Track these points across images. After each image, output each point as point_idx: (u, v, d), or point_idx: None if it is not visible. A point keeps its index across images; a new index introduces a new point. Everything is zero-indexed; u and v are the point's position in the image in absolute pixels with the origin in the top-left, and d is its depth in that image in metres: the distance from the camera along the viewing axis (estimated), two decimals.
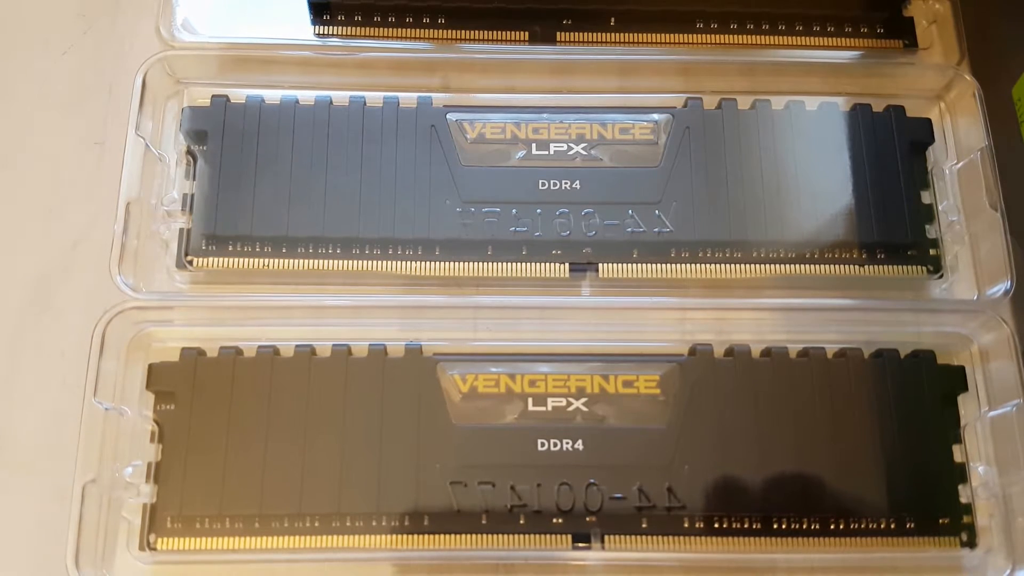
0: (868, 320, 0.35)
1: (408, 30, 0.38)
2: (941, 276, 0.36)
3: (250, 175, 0.35)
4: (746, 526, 0.32)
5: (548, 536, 0.32)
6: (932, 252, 0.36)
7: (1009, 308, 0.35)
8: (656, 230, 0.35)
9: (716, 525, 0.32)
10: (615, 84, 0.38)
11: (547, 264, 0.35)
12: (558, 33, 0.38)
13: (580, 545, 0.32)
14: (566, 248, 0.35)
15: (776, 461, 0.33)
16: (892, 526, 0.32)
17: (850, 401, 0.33)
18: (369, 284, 0.35)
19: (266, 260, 0.34)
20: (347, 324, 0.35)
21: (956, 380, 0.34)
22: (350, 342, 0.34)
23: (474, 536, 0.32)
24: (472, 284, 0.35)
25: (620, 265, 0.35)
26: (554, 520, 0.32)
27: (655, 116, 0.37)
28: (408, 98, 0.37)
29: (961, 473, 0.33)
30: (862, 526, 0.32)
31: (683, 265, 0.35)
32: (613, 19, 0.39)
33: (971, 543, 0.33)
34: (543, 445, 0.33)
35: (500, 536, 0.32)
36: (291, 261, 0.35)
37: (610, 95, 0.38)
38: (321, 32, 0.38)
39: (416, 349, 0.34)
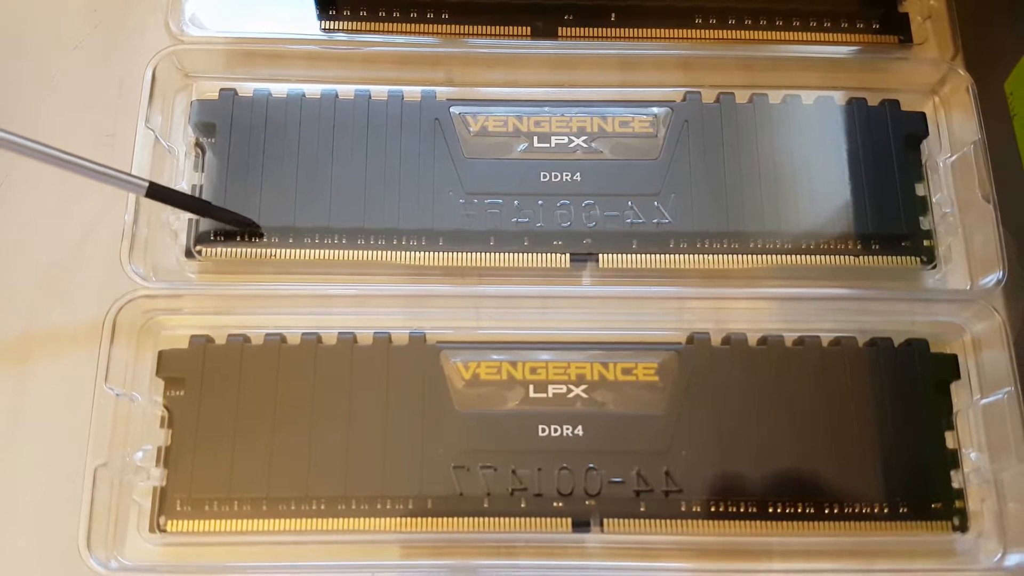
0: (863, 309, 0.36)
1: (412, 25, 0.39)
2: (935, 266, 0.36)
3: (258, 167, 0.36)
4: (742, 510, 0.33)
5: (548, 519, 0.33)
6: (926, 243, 0.36)
7: (1001, 298, 0.36)
8: (655, 221, 0.36)
9: (713, 509, 0.33)
10: (615, 78, 0.39)
11: (548, 254, 0.36)
12: (560, 28, 0.39)
13: (580, 528, 0.33)
14: (567, 239, 0.36)
15: (772, 447, 0.33)
16: (886, 511, 0.33)
17: (845, 388, 0.34)
18: (374, 273, 0.36)
19: (273, 250, 0.35)
20: (352, 312, 0.35)
21: (949, 368, 0.35)
22: (355, 330, 0.34)
23: (476, 519, 0.32)
24: (475, 274, 0.36)
25: (620, 255, 0.36)
26: (554, 504, 0.33)
27: (655, 110, 0.38)
28: (412, 92, 0.37)
29: (953, 459, 0.34)
30: (856, 510, 0.33)
31: (682, 255, 0.36)
32: (614, 15, 0.39)
33: (963, 527, 0.33)
34: (544, 430, 0.33)
35: (502, 519, 0.32)
36: (298, 251, 0.35)
37: (610, 89, 0.39)
38: (327, 27, 0.39)
39: (420, 337, 0.34)
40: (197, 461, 0.33)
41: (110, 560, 0.32)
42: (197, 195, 0.36)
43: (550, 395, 0.34)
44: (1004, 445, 0.33)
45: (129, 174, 0.32)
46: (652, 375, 0.34)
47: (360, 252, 0.35)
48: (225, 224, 0.35)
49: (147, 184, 0.32)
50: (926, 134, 0.38)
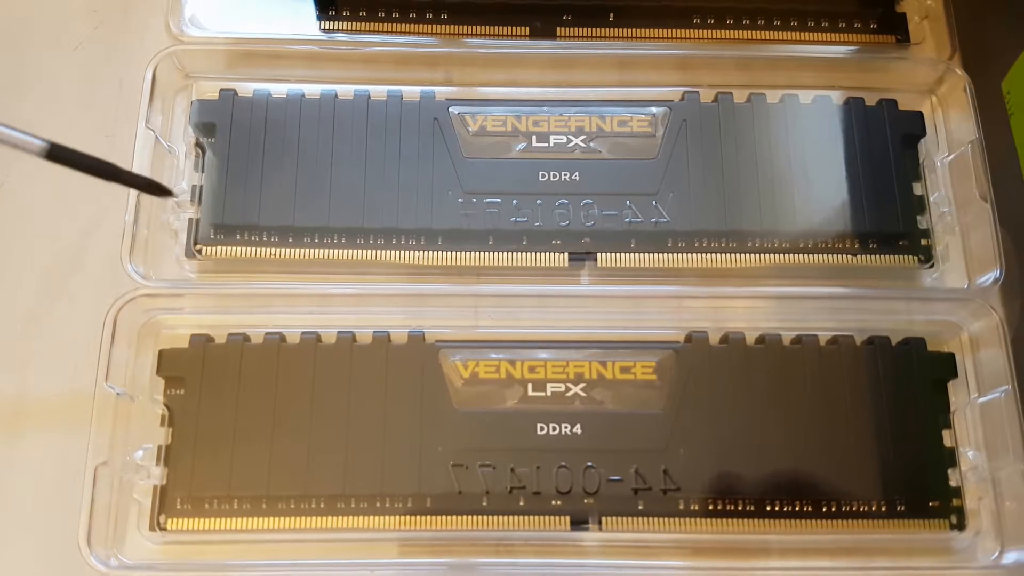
0: (860, 308, 0.36)
1: (412, 25, 0.39)
2: (932, 265, 0.36)
3: (257, 167, 0.36)
4: (740, 508, 0.33)
5: (547, 517, 0.33)
6: (923, 242, 0.36)
7: (998, 296, 0.36)
8: (653, 220, 0.36)
9: (711, 507, 0.33)
10: (614, 78, 0.39)
11: (547, 254, 0.36)
12: (558, 28, 0.39)
13: (578, 526, 0.33)
14: (565, 238, 0.36)
15: (769, 445, 0.33)
16: (883, 509, 0.33)
17: (842, 387, 0.34)
18: (373, 273, 0.36)
19: (273, 249, 0.35)
20: (352, 312, 0.35)
21: (946, 367, 0.35)
22: (355, 329, 0.35)
23: (475, 517, 0.33)
24: (473, 273, 0.36)
25: (618, 255, 0.36)
26: (553, 502, 0.33)
27: (653, 109, 0.38)
28: (411, 92, 0.37)
29: (951, 457, 0.34)
30: (854, 509, 0.33)
31: (680, 254, 0.36)
32: (612, 15, 0.39)
33: (960, 525, 0.33)
34: (542, 429, 0.33)
35: (500, 517, 0.33)
36: (297, 250, 0.35)
37: (609, 89, 0.39)
38: (327, 27, 0.39)
39: (419, 336, 0.35)
40: (197, 459, 0.33)
41: (110, 558, 0.32)
42: (197, 195, 0.36)
43: (548, 394, 0.34)
44: (1001, 443, 0.33)
45: (25, 132, 0.30)
46: (650, 374, 0.34)
47: (359, 251, 0.35)
48: (136, 189, 0.34)
49: (48, 145, 0.29)
50: (923, 133, 0.38)
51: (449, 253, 0.36)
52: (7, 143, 0.29)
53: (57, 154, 0.29)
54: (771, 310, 0.36)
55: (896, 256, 0.36)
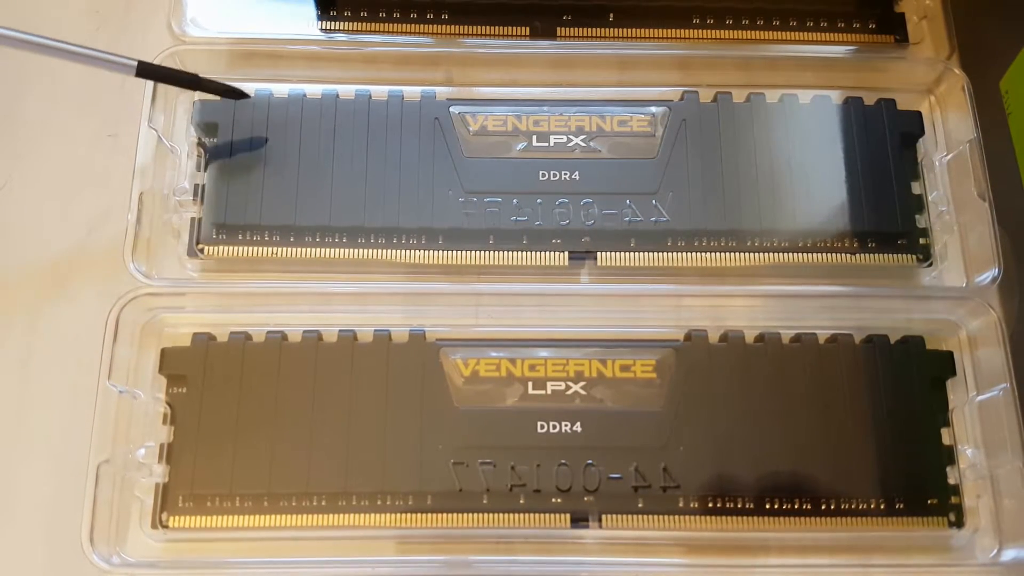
0: (859, 307, 0.36)
1: (412, 25, 0.39)
2: (931, 264, 0.36)
3: (259, 166, 0.36)
4: (739, 506, 0.33)
5: (547, 515, 0.33)
6: (922, 241, 0.36)
7: (996, 295, 0.36)
8: (653, 219, 0.36)
9: (710, 505, 0.33)
10: (614, 78, 0.39)
11: (547, 253, 0.36)
12: (558, 28, 0.39)
13: (578, 524, 0.33)
14: (565, 237, 0.36)
15: (769, 443, 0.33)
16: (882, 506, 0.33)
17: (841, 385, 0.34)
18: (374, 272, 0.36)
19: (274, 248, 0.35)
20: (353, 310, 0.35)
21: (945, 365, 0.35)
22: (356, 328, 0.35)
23: (475, 515, 0.33)
24: (474, 272, 0.36)
25: (618, 253, 0.36)
26: (553, 499, 0.33)
27: (652, 109, 0.38)
28: (412, 92, 0.38)
29: (949, 455, 0.34)
30: (852, 506, 0.33)
31: (679, 253, 0.36)
32: (612, 15, 0.39)
33: (959, 523, 0.33)
34: (543, 427, 0.34)
35: (501, 515, 0.33)
36: (299, 249, 0.35)
37: (609, 88, 0.39)
38: (327, 27, 0.39)
39: (420, 335, 0.35)
40: (199, 458, 0.33)
41: (112, 556, 0.32)
42: (199, 194, 0.36)
43: (549, 392, 0.34)
44: (1000, 441, 0.34)
45: (116, 55, 0.33)
46: (650, 372, 0.34)
47: (360, 251, 0.35)
48: (217, 94, 0.36)
49: (136, 63, 0.33)
50: (922, 133, 0.38)
51: (450, 252, 0.36)
52: (99, 65, 0.33)
53: (145, 70, 0.34)
54: (770, 309, 0.36)
55: (895, 255, 0.36)
